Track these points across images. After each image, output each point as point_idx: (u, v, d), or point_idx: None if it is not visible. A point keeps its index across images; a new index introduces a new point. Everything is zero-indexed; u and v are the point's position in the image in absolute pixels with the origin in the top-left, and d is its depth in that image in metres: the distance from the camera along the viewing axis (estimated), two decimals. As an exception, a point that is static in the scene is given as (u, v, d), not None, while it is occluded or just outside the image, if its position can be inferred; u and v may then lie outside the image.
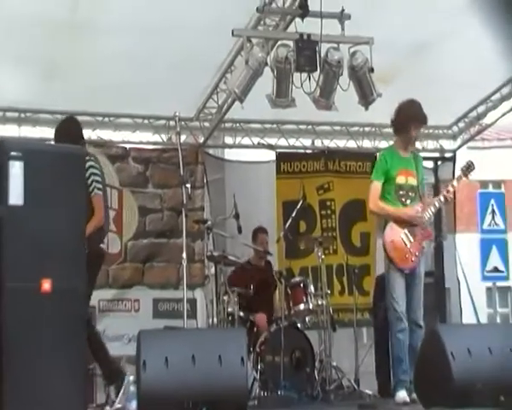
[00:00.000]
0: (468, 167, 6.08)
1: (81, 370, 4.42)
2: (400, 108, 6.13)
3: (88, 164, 5.78)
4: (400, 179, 5.97)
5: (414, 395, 5.47)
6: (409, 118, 6.04)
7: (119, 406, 4.97)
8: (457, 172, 6.28)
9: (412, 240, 5.85)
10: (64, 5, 6.86)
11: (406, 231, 5.86)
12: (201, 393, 4.45)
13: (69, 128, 6.28)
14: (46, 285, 4.24)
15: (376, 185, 5.96)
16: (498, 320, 17.16)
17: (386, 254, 5.86)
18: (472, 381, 4.87)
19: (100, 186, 5.94)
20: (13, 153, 4.30)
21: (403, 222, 5.87)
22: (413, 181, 6.01)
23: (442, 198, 6.01)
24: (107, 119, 9.10)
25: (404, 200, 5.94)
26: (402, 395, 5.65)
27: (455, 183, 6.07)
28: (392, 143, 6.81)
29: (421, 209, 5.95)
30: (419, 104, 6.08)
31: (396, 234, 5.83)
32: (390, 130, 7.05)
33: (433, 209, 5.98)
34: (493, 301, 14.39)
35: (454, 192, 6.06)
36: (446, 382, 4.90)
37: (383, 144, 9.21)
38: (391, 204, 5.93)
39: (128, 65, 7.77)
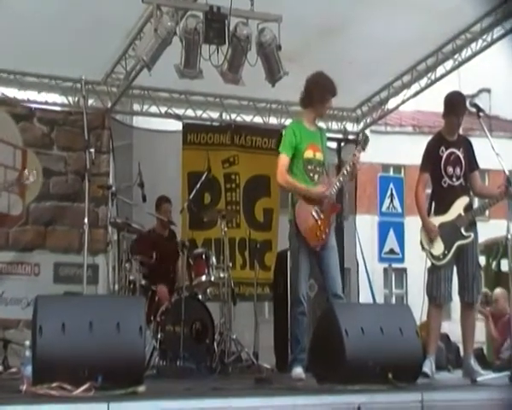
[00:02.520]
0: (365, 140, 6.05)
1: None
2: (312, 80, 6.02)
3: None
4: (308, 154, 5.91)
5: None
6: (323, 89, 5.97)
7: (13, 370, 4.88)
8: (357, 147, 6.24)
9: (322, 216, 5.84)
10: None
11: (316, 208, 5.83)
12: (98, 361, 4.39)
13: None
14: None
15: (284, 158, 5.86)
16: (394, 301, 17.69)
17: (299, 233, 5.79)
18: (363, 358, 4.99)
19: None
20: None
21: (310, 199, 5.84)
22: (320, 156, 5.98)
23: (345, 172, 5.95)
24: (12, 76, 8.84)
25: (312, 175, 5.90)
26: (298, 371, 5.72)
27: (356, 153, 6.00)
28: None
29: (326, 185, 5.93)
30: (327, 76, 6.01)
31: (307, 213, 5.80)
32: (296, 108, 7.06)
33: (338, 184, 5.97)
34: (389, 282, 14.77)
35: (354, 166, 5.98)
36: (339, 358, 5.00)
37: (289, 122, 9.30)
38: (299, 178, 5.87)
39: (37, 25, 7.56)
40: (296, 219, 5.83)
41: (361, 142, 6.08)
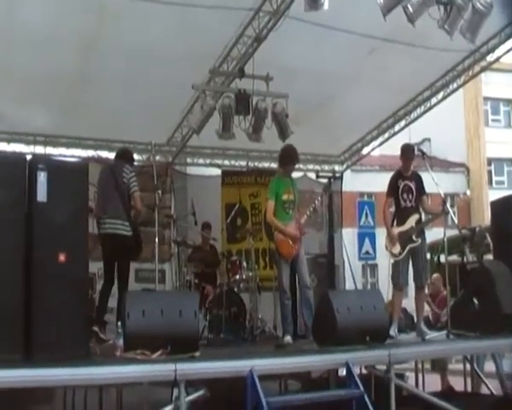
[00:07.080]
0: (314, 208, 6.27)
1: (86, 315, 4.46)
2: (283, 152, 6.21)
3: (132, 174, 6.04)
4: (285, 197, 6.03)
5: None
6: (289, 159, 6.14)
7: (110, 342, 4.92)
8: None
9: (292, 240, 5.98)
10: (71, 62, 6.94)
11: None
12: (167, 335, 4.41)
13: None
14: (62, 257, 4.21)
15: (271, 203, 6.01)
16: (369, 287, 17.56)
17: (278, 251, 5.96)
18: (349, 327, 4.99)
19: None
20: (40, 166, 4.26)
21: (284, 233, 5.97)
22: (292, 197, 6.08)
23: (312, 208, 6.15)
24: (105, 143, 9.00)
25: (287, 210, 6.03)
26: (287, 338, 5.79)
27: (316, 202, 6.21)
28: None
29: (298, 215, 6.07)
30: (293, 149, 6.15)
31: (282, 239, 5.97)
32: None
33: (308, 213, 6.11)
34: (366, 274, 14.72)
35: (315, 210, 6.17)
36: (333, 328, 5.01)
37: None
38: (280, 212, 6.00)
39: (120, 113, 7.80)
40: (276, 243, 5.99)
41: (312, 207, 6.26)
